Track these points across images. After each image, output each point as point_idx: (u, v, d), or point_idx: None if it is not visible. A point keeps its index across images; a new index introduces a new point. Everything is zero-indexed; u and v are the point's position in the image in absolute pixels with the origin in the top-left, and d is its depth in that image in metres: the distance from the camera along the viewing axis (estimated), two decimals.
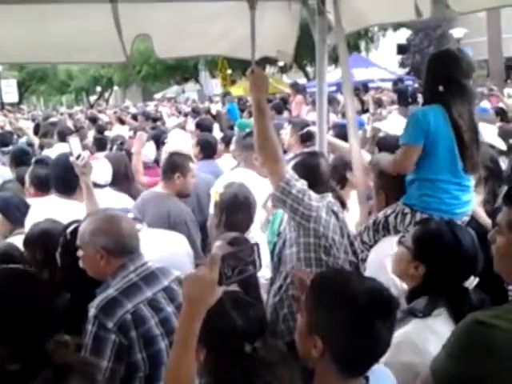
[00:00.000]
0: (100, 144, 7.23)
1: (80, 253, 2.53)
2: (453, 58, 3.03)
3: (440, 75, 2.99)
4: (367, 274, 2.87)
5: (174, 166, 4.15)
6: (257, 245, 1.93)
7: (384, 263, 2.74)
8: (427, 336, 1.97)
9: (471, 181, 3.07)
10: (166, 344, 2.44)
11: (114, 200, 4.08)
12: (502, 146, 4.55)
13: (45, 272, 2.89)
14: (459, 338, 1.66)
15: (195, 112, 12.50)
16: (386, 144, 4.42)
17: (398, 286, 2.65)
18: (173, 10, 3.52)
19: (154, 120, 11.91)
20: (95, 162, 4.70)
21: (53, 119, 11.80)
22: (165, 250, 3.23)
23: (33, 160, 5.12)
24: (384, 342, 1.61)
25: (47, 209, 3.69)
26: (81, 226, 2.57)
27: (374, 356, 1.63)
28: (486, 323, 1.60)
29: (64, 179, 3.89)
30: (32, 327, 1.68)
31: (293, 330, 1.84)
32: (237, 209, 3.52)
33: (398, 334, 2.03)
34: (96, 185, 4.32)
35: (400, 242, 2.34)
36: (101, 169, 4.55)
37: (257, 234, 3.69)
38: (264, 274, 3.46)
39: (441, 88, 2.96)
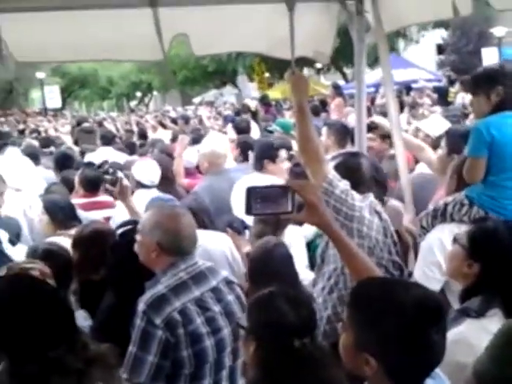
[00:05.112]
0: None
1: (138, 237, 2.59)
2: None
3: None
4: (418, 257, 2.96)
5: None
6: (290, 188, 1.93)
7: (432, 246, 2.83)
8: (482, 337, 1.92)
9: None
10: (212, 343, 2.47)
11: None
12: None
13: (101, 270, 2.95)
14: (499, 341, 1.62)
15: (237, 114, 12.58)
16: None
17: (443, 269, 2.73)
18: (211, 12, 3.57)
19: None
20: (143, 163, 4.78)
21: (86, 124, 11.70)
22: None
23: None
24: (439, 350, 1.56)
25: None
26: (146, 214, 2.65)
27: (430, 366, 1.58)
28: None
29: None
30: (39, 333, 1.72)
31: (337, 331, 1.83)
32: None
33: (452, 334, 2.01)
34: (142, 185, 4.41)
35: (455, 240, 2.32)
36: (147, 170, 4.62)
37: (294, 235, 3.69)
38: (306, 274, 3.47)
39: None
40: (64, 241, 3.35)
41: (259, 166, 4.57)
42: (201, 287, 2.52)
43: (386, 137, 4.67)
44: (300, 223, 3.58)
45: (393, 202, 3.62)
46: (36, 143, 8.86)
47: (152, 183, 4.62)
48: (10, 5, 3.09)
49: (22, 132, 14.35)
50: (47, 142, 9.15)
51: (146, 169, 4.65)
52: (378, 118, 4.55)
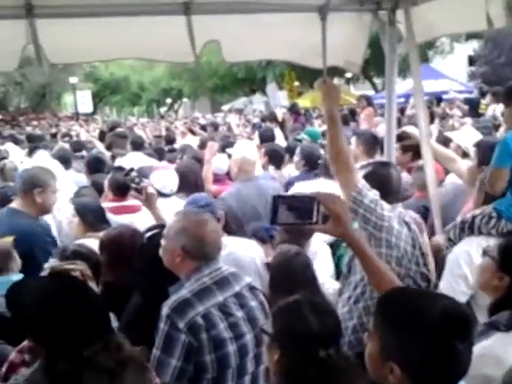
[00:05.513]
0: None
1: (163, 242, 2.62)
2: None
3: None
4: (445, 269, 2.95)
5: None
6: (316, 199, 1.94)
7: (459, 259, 2.86)
8: (511, 350, 1.92)
9: None
10: (234, 348, 2.48)
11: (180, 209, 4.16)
12: None
13: (124, 272, 2.98)
14: None
15: (264, 121, 12.63)
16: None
17: (469, 282, 2.74)
18: (243, 20, 3.61)
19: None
20: (161, 172, 4.84)
21: (119, 129, 11.81)
22: (228, 254, 3.31)
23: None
24: (464, 362, 1.55)
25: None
26: (171, 219, 2.67)
27: (456, 377, 1.57)
28: None
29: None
30: (78, 329, 1.76)
31: (363, 341, 1.82)
32: None
33: (481, 347, 2.00)
34: (161, 194, 4.46)
35: (485, 253, 2.30)
36: (166, 178, 4.67)
37: (320, 244, 3.69)
38: (331, 283, 3.46)
39: None
40: (94, 243, 3.39)
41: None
42: (224, 292, 2.54)
43: (409, 149, 4.65)
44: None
45: (411, 214, 3.60)
46: (68, 147, 8.99)
47: (171, 191, 4.66)
48: (46, 11, 3.16)
49: (54, 136, 14.57)
50: (79, 145, 9.26)
51: (165, 178, 4.70)
52: (409, 128, 4.52)
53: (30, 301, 1.81)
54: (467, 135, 5.06)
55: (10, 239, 3.48)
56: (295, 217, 1.96)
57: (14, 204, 4.02)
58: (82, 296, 1.85)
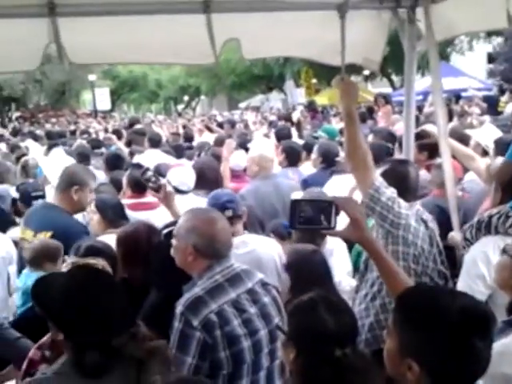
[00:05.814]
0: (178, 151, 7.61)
1: (174, 242, 2.62)
2: None
3: None
4: (462, 269, 2.94)
5: None
6: (334, 204, 1.96)
7: (476, 259, 2.83)
8: None
9: None
10: (249, 344, 2.48)
11: (196, 205, 4.19)
12: None
13: (140, 269, 3.01)
14: None
15: (280, 120, 12.66)
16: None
17: (487, 282, 2.72)
18: (263, 18, 3.60)
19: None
20: (178, 169, 4.86)
21: (139, 126, 11.86)
22: (249, 252, 3.35)
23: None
24: (484, 360, 1.55)
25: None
26: (181, 218, 2.66)
27: (475, 374, 1.57)
28: None
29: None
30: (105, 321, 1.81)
31: (379, 339, 1.83)
32: None
33: (500, 345, 1.99)
34: (178, 191, 4.49)
35: (504, 251, 2.30)
36: (183, 175, 4.70)
37: (337, 241, 3.70)
38: (348, 281, 3.47)
39: None
40: (114, 239, 3.41)
41: None
42: (237, 289, 2.54)
43: (424, 148, 4.62)
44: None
45: None
46: (86, 144, 9.06)
47: (188, 188, 4.68)
48: (68, 10, 3.20)
49: (73, 133, 14.68)
50: (98, 143, 9.34)
51: (182, 175, 4.72)
52: (428, 126, 4.50)
53: (58, 292, 1.85)
54: (487, 133, 5.02)
55: (47, 235, 3.53)
56: (313, 221, 2.01)
57: (51, 200, 4.08)
58: (109, 288, 1.89)
